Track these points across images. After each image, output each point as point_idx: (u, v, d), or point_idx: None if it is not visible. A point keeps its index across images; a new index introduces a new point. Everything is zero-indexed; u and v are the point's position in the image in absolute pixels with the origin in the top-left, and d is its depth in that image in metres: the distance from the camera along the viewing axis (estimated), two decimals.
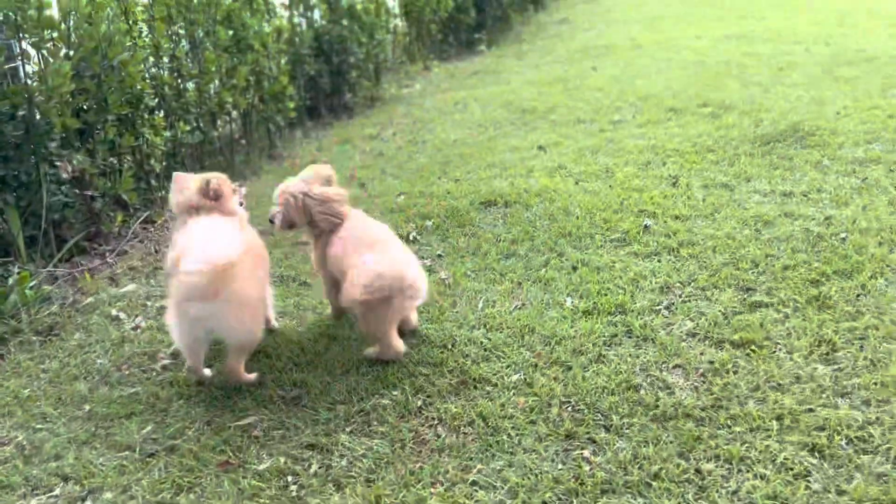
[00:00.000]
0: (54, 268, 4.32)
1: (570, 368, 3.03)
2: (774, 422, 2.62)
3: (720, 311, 3.33)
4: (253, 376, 3.12)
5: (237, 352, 3.03)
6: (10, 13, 3.99)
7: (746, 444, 2.53)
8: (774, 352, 3.01)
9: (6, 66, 4.20)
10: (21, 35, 4.13)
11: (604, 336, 3.23)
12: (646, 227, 4.22)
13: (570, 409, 2.81)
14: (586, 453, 2.57)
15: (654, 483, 2.40)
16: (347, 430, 2.81)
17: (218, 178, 3.29)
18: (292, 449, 2.72)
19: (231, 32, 5.92)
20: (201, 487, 2.57)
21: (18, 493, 2.62)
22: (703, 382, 2.87)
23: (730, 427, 2.63)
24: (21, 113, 4.13)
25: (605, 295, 3.55)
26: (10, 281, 3.89)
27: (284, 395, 3.04)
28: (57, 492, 2.61)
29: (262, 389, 3.08)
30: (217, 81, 5.77)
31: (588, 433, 2.67)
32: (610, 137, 6.03)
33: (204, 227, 3.05)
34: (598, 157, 5.56)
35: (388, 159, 6.16)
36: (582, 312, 3.43)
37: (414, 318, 3.38)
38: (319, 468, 2.62)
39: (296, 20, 7.18)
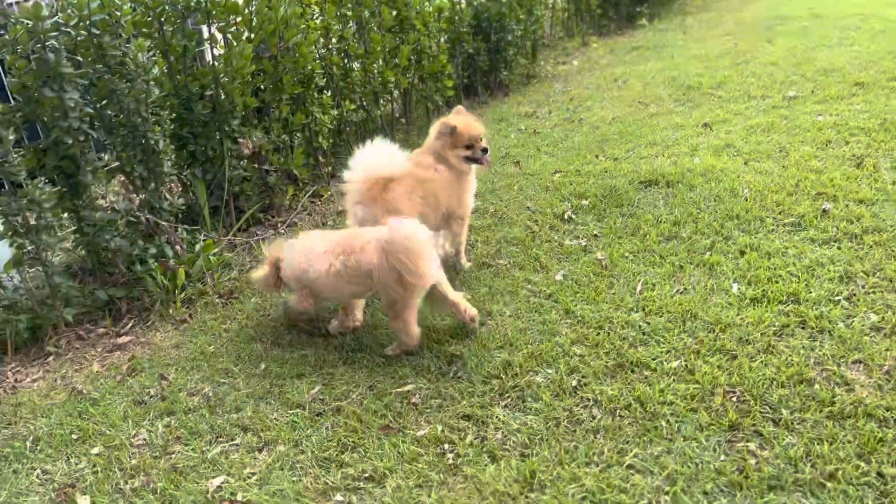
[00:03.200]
0: (233, 237, 4.69)
1: (735, 357, 2.90)
2: None
3: None
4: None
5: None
6: (201, 0, 4.33)
7: None
8: None
9: (196, 50, 4.57)
10: (209, 21, 4.48)
11: (774, 326, 3.05)
12: (824, 211, 3.91)
13: (734, 399, 2.68)
14: (752, 446, 2.45)
15: (828, 483, 2.25)
16: (502, 404, 2.85)
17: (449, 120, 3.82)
18: (449, 418, 2.80)
19: (395, 13, 6.09)
20: (364, 448, 2.71)
21: (205, 439, 2.89)
22: (888, 381, 2.64)
23: None
24: (208, 93, 4.49)
25: (777, 282, 3.34)
26: (197, 247, 4.27)
27: (441, 366, 3.13)
28: (237, 441, 2.85)
29: (419, 359, 3.19)
30: (381, 61, 5.96)
31: (754, 425, 2.54)
32: (784, 115, 5.63)
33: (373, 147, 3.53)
34: (770, 136, 5.21)
35: (543, 137, 6.11)
36: (750, 300, 3.26)
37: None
38: (475, 439, 2.68)
39: None
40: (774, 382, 2.72)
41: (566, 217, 4.40)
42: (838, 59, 7.00)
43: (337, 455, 2.70)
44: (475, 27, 7.45)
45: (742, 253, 3.66)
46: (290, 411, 2.98)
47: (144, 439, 2.93)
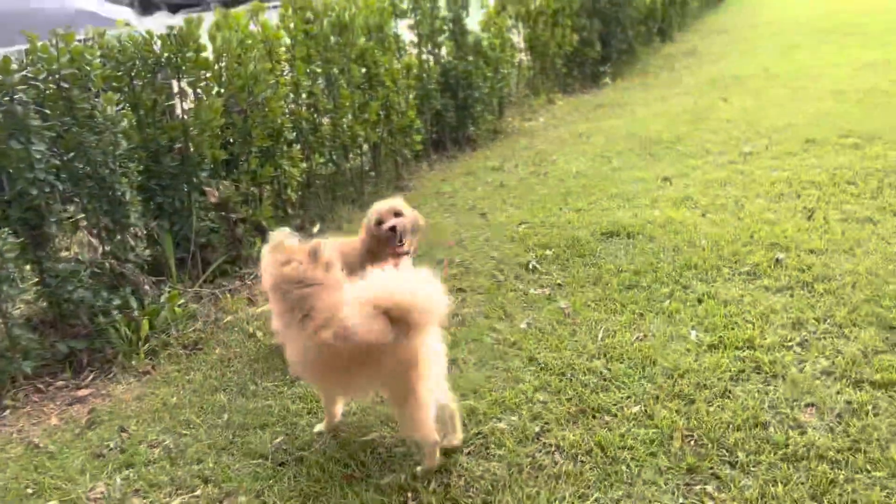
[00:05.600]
0: (199, 288, 4.68)
1: (693, 402, 2.96)
2: None
3: (859, 349, 3.14)
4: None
5: None
6: (172, 55, 4.42)
7: (887, 491, 2.37)
8: None
9: (166, 104, 4.64)
10: (180, 75, 4.57)
11: (730, 371, 3.13)
12: (777, 260, 4.05)
13: (692, 443, 2.73)
14: (710, 489, 2.49)
15: None
16: (466, 451, 2.86)
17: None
18: (413, 466, 2.80)
19: (364, 70, 6.25)
20: (327, 497, 2.70)
21: (165, 491, 2.85)
22: (840, 423, 2.72)
23: (869, 472, 2.47)
24: (177, 146, 4.55)
25: (733, 329, 3.43)
26: (162, 299, 4.26)
27: None
28: (198, 492, 2.81)
29: (384, 408, 3.20)
30: (350, 116, 6.08)
31: (711, 468, 2.59)
32: (740, 169, 5.84)
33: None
34: (726, 189, 5.39)
35: (509, 190, 6.25)
36: (707, 346, 3.34)
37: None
38: (438, 486, 2.68)
39: (424, 56, 7.46)
40: (731, 426, 2.78)
41: (531, 267, 4.48)
42: (791, 116, 7.30)
43: None
44: (443, 84, 7.64)
45: (700, 301, 3.76)
46: (253, 461, 2.96)
47: (102, 493, 2.88)
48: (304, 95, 5.72)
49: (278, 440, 3.08)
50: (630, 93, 10.34)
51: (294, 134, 5.50)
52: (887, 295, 3.53)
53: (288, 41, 5.54)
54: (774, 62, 10.90)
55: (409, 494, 2.66)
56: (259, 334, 4.07)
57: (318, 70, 5.82)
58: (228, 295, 4.61)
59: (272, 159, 5.22)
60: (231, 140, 4.96)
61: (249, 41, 4.91)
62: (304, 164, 5.56)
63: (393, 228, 3.48)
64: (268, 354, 3.82)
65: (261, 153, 5.15)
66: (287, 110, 5.48)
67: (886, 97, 7.58)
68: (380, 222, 3.53)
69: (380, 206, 3.59)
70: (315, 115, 5.85)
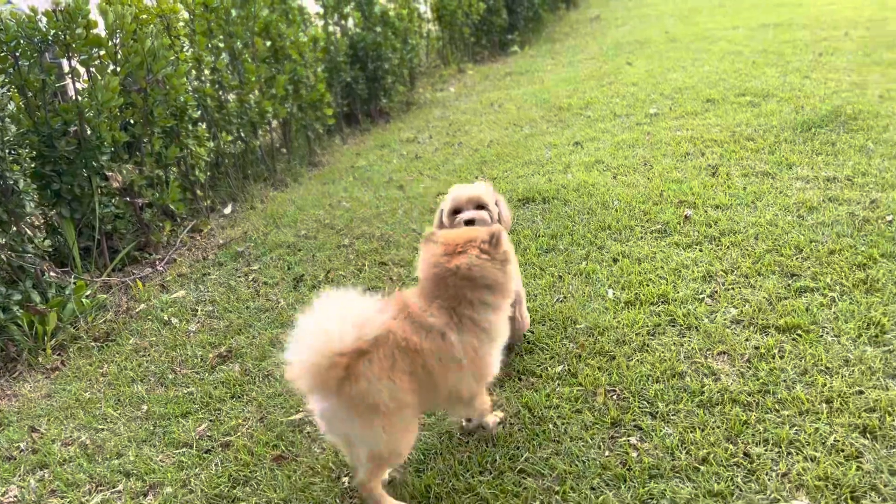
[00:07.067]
0: (108, 277, 4.48)
1: (613, 358, 3.05)
2: (824, 405, 2.60)
3: (764, 297, 3.31)
4: None
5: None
6: (59, 32, 4.15)
7: (796, 428, 2.51)
8: (822, 336, 2.98)
9: (57, 85, 4.37)
10: (70, 54, 4.30)
11: (647, 326, 3.23)
12: (686, 217, 4.20)
13: (615, 397, 2.82)
14: (633, 440, 2.58)
15: (702, 467, 2.40)
16: None
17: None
18: None
19: (269, 43, 6.06)
20: (256, 480, 2.65)
21: (84, 489, 2.73)
22: (749, 368, 2.86)
23: (778, 411, 2.61)
24: (73, 128, 4.30)
25: (647, 285, 3.54)
26: (67, 290, 4.05)
27: None
28: (120, 487, 2.71)
29: None
30: (257, 92, 5.90)
31: (634, 420, 2.68)
32: (647, 131, 6.00)
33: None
34: (635, 151, 5.54)
35: (425, 161, 6.22)
36: (624, 303, 3.44)
37: None
38: None
39: (330, 28, 7.30)
40: (650, 378, 2.88)
41: None
42: (691, 78, 7.55)
43: (228, 491, 2.62)
44: (352, 56, 7.52)
45: (615, 260, 3.86)
46: (177, 451, 2.87)
47: (16, 496, 2.74)
48: (207, 72, 5.51)
49: (202, 427, 3.00)
50: (538, 60, 10.44)
51: (199, 112, 5.29)
52: (787, 244, 3.72)
53: (186, 15, 5.30)
54: (675, 26, 11.23)
55: (344, 469, 2.65)
56: (175, 321, 3.94)
57: (221, 45, 5.60)
58: (140, 283, 4.43)
59: (177, 139, 5.02)
60: (132, 121, 4.74)
61: (145, 16, 4.68)
62: (211, 144, 5.37)
63: (470, 222, 2.87)
64: (185, 341, 3.71)
65: (164, 133, 4.94)
66: (190, 88, 5.27)
67: (779, 57, 7.92)
68: (456, 211, 2.97)
69: (459, 193, 2.99)
70: (220, 92, 5.65)
